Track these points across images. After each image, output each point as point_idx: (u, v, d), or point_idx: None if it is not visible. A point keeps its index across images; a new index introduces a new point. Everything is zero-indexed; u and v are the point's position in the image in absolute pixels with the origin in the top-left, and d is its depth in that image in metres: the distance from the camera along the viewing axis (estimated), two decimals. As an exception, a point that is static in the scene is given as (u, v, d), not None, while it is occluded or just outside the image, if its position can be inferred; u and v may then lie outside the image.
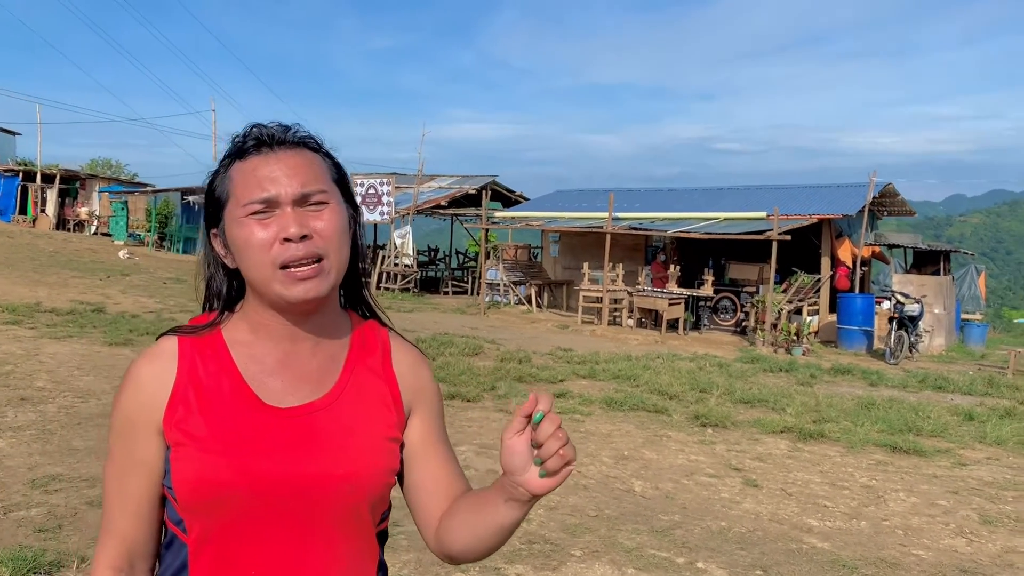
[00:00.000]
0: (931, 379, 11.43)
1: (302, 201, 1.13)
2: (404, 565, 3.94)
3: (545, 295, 20.12)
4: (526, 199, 26.12)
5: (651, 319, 16.65)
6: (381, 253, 22.41)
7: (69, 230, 31.24)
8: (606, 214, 17.38)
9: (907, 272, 19.53)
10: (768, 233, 15.10)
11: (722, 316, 17.76)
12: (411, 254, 23.32)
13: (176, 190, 30.77)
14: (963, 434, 7.85)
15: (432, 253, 27.98)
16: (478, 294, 19.96)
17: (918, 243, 19.99)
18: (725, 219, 17.67)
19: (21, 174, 32.69)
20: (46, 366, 8.22)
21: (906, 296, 14.74)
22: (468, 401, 8.06)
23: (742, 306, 17.26)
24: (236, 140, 1.19)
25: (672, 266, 17.59)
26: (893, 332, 13.87)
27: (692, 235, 16.65)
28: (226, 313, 1.22)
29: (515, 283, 20.24)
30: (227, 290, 1.23)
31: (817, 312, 16.78)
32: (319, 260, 1.12)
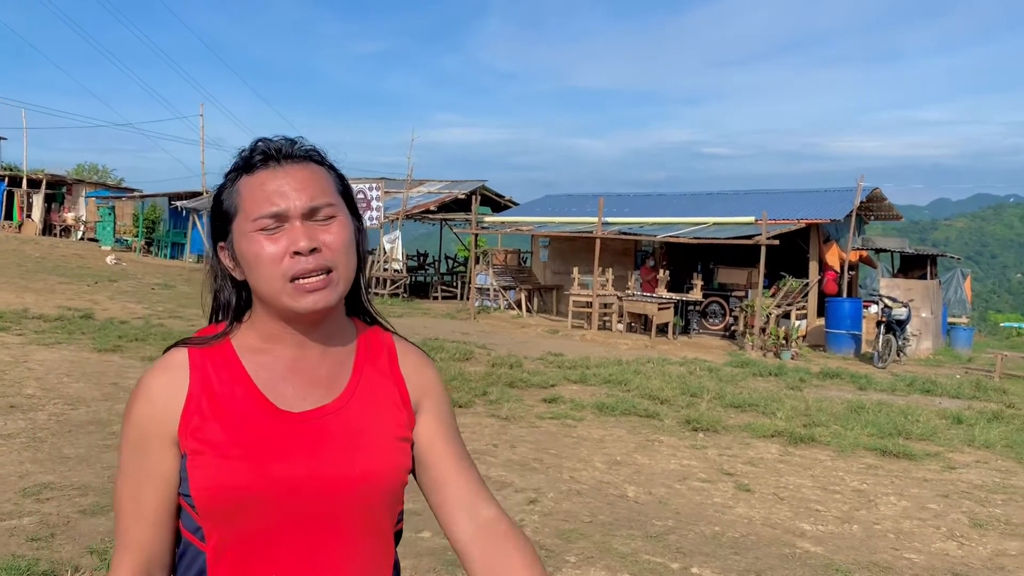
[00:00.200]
0: (919, 383, 11.51)
1: (310, 214, 1.15)
2: (403, 571, 3.93)
3: (535, 300, 20.15)
4: (515, 204, 26.16)
5: (641, 323, 16.70)
6: (370, 258, 22.38)
7: (55, 235, 31.07)
8: (596, 219, 17.43)
9: (894, 276, 19.65)
10: (757, 238, 15.18)
11: (711, 320, 17.82)
12: (400, 259, 23.31)
13: (163, 195, 30.65)
14: (952, 437, 7.91)
15: (421, 258, 27.95)
16: (468, 299, 19.95)
17: (905, 247, 20.12)
18: (714, 224, 17.75)
19: (7, 179, 32.52)
20: (35, 373, 8.17)
21: (894, 300, 14.84)
22: (460, 407, 8.06)
23: (731, 310, 17.33)
24: (243, 154, 1.21)
25: (661, 271, 17.65)
26: (881, 336, 13.95)
27: (681, 240, 16.71)
28: (235, 323, 1.24)
29: (505, 288, 20.26)
30: (235, 301, 1.25)
31: (805, 316, 16.86)
32: (328, 272, 1.14)
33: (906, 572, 4.46)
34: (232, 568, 1.13)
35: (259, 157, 1.18)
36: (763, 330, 15.01)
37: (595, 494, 5.54)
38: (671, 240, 16.88)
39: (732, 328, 17.06)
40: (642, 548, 4.54)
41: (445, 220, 25.57)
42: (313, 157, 1.21)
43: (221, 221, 1.20)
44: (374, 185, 22.76)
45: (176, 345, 1.22)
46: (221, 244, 1.21)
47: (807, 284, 16.99)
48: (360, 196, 22.38)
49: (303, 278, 1.12)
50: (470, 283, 19.89)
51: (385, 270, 22.31)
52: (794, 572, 4.34)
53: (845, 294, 16.75)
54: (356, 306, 1.31)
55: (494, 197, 26.54)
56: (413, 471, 1.27)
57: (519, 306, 19.39)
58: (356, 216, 1.24)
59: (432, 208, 24.35)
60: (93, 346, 10.03)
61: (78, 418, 6.56)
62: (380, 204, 22.57)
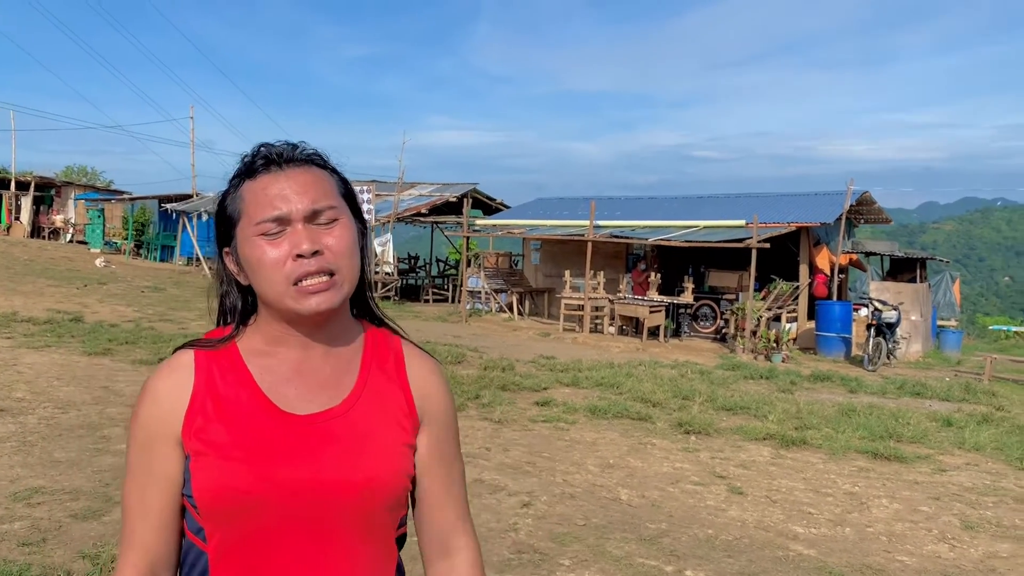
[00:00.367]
0: (909, 385, 11.58)
1: (312, 218, 1.15)
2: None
3: (526, 303, 20.14)
4: (507, 207, 26.17)
5: (632, 327, 16.72)
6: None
7: (44, 238, 30.89)
8: (587, 222, 17.46)
9: (884, 279, 19.76)
10: (747, 241, 15.23)
11: (702, 323, 17.86)
12: (391, 262, 23.27)
13: (153, 197, 30.51)
14: (942, 440, 7.95)
15: (412, 261, 27.91)
16: (459, 302, 19.94)
17: (895, 250, 20.23)
18: (705, 227, 17.80)
19: (-5, 181, 32.29)
20: (24, 376, 8.12)
21: (884, 303, 14.91)
22: (452, 410, 8.04)
23: (722, 313, 17.37)
24: (245, 159, 1.21)
25: (653, 274, 17.68)
26: (871, 339, 14.02)
27: (672, 243, 16.75)
28: (240, 327, 1.24)
29: (496, 291, 20.25)
30: (241, 305, 1.25)
31: (796, 319, 16.92)
32: (331, 274, 1.15)
33: (898, 574, 4.48)
34: (233, 569, 1.13)
35: (261, 162, 1.18)
36: (754, 333, 15.06)
37: (588, 497, 5.55)
38: (662, 243, 16.92)
39: (723, 331, 17.10)
40: (636, 551, 4.55)
41: (436, 223, 25.55)
42: (315, 161, 1.21)
43: (225, 226, 1.21)
44: (365, 188, 22.72)
45: (183, 347, 1.22)
46: (226, 249, 1.22)
47: (797, 287, 17.06)
48: (351, 199, 22.33)
49: (306, 280, 1.13)
50: (461, 286, 19.88)
51: (376, 273, 22.27)
52: (787, 575, 4.36)
53: (835, 297, 16.82)
54: (363, 308, 1.32)
55: (485, 200, 26.55)
56: None
57: (511, 309, 19.38)
58: (360, 219, 1.24)
59: (423, 211, 24.32)
60: (83, 349, 9.98)
61: (68, 422, 6.53)
62: (371, 207, 22.53)
